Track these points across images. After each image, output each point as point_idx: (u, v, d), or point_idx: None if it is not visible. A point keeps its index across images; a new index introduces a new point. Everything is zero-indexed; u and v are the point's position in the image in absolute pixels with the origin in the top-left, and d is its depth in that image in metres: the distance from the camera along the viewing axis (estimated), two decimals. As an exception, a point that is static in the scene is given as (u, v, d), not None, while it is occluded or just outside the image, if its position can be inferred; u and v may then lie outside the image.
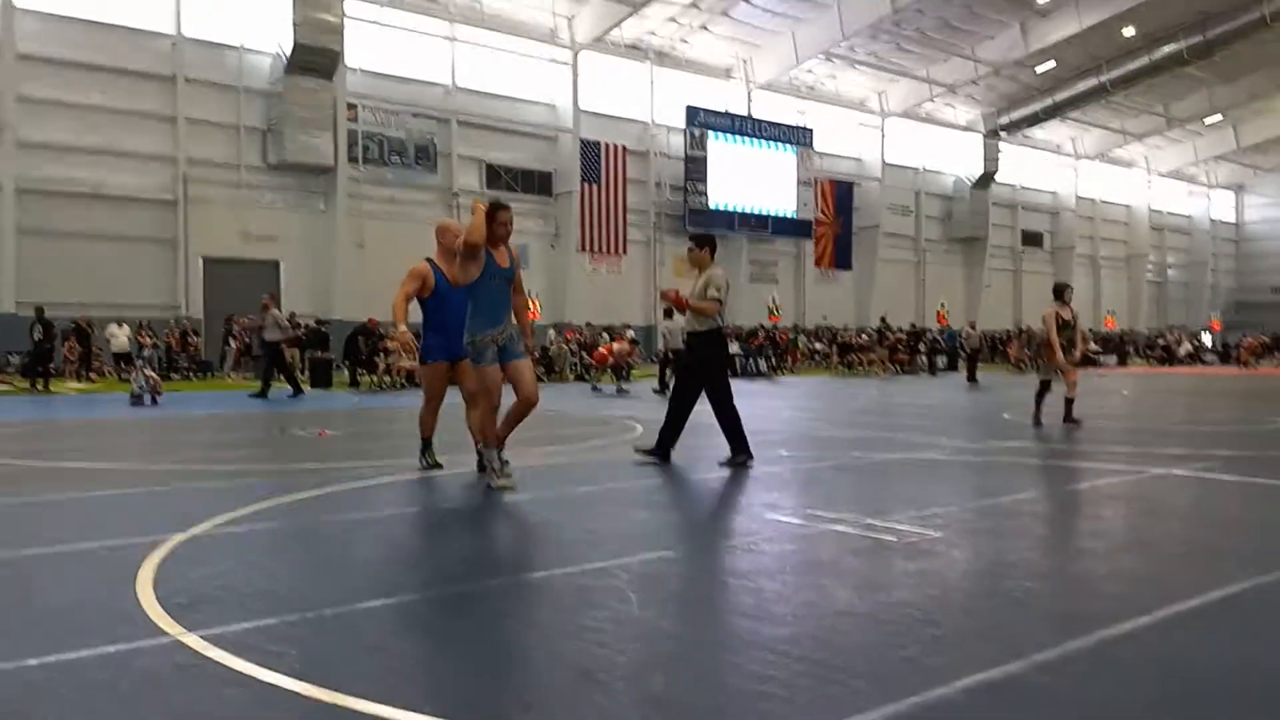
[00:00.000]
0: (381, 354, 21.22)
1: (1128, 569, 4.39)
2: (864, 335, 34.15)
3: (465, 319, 6.39)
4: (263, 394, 17.02)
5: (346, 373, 22.09)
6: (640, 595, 3.88)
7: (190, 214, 25.70)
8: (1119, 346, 42.92)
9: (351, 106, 27.80)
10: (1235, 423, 10.09)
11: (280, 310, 20.32)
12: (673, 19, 32.51)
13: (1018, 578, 4.24)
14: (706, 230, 37.63)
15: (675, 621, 3.54)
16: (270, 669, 2.97)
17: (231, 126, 26.49)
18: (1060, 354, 11.11)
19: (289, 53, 25.66)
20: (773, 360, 29.56)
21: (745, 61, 36.07)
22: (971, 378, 24.22)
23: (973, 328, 27.70)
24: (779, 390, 20.22)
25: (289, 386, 17.97)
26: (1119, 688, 2.90)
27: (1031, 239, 48.76)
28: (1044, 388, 11.39)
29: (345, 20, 26.37)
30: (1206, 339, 46.39)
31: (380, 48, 28.70)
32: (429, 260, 7.05)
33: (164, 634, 3.33)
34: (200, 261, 25.98)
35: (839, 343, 33.45)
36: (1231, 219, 61.08)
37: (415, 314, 6.75)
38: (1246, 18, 34.60)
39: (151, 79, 25.28)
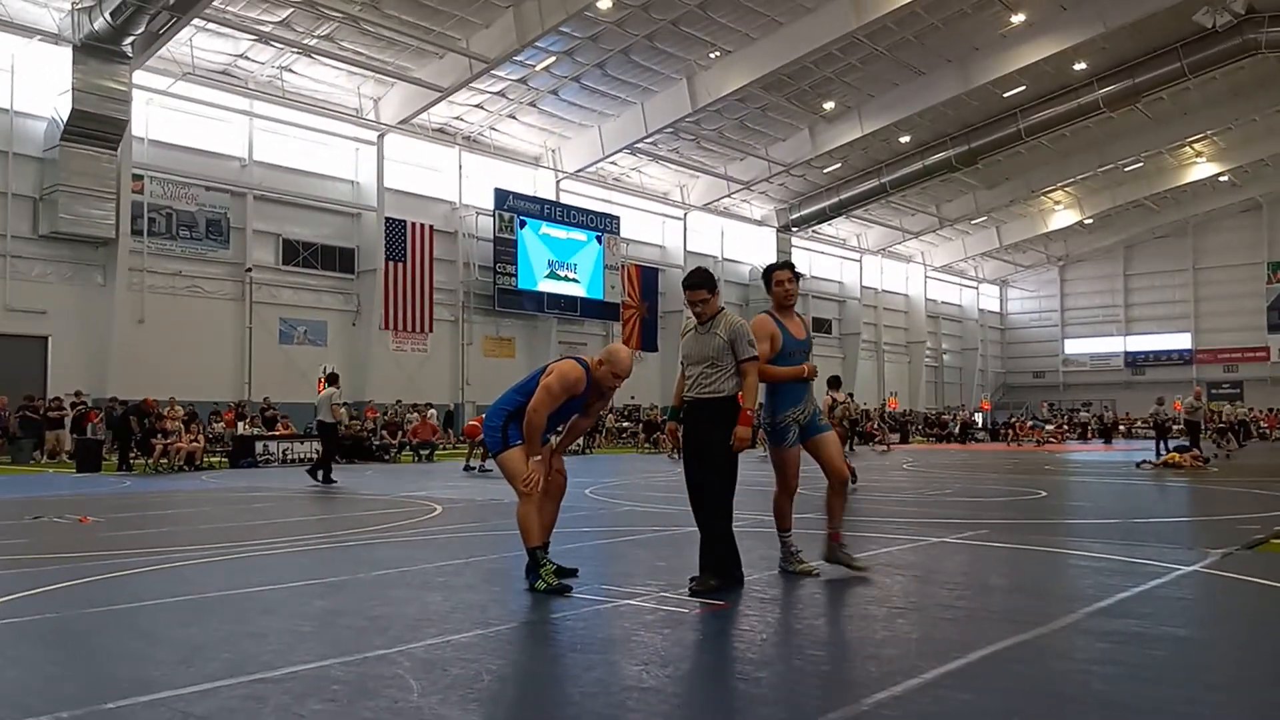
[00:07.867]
0: (159, 435, 19.72)
1: (903, 633, 4.58)
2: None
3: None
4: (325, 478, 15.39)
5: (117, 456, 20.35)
6: (421, 683, 3.70)
7: (-57, 285, 23.41)
8: (901, 425, 45.82)
9: (138, 177, 26.29)
10: (1000, 495, 10.89)
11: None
12: (481, 106, 32.85)
13: (801, 645, 4.34)
14: (512, 310, 36.60)
15: (456, 709, 3.38)
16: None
17: (-2, 193, 24.49)
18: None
19: (65, 119, 24.06)
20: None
21: (554, 151, 36.85)
22: None
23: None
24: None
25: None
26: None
27: (821, 325, 51.70)
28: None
29: (134, 90, 25.08)
30: (979, 418, 50.67)
31: (173, 118, 27.44)
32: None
33: None
34: (-47, 336, 23.58)
35: (644, 421, 33.95)
36: (997, 309, 67.38)
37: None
38: (1004, 131, 39.13)
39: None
